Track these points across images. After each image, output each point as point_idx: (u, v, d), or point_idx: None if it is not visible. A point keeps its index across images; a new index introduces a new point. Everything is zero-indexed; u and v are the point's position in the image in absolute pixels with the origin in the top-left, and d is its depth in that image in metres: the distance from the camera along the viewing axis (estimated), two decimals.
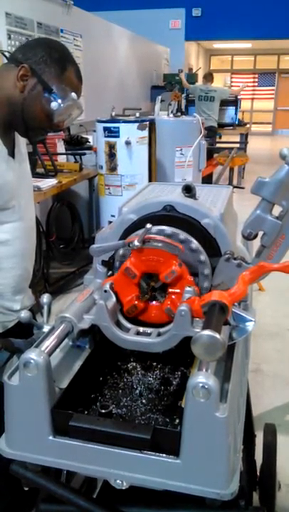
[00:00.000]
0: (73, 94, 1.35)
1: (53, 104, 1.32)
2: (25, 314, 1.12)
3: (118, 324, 1.01)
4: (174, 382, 1.07)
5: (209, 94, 8.03)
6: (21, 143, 1.49)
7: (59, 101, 1.32)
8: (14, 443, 0.93)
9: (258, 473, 1.61)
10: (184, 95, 8.39)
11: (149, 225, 0.98)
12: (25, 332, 1.25)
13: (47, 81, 1.32)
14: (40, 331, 1.09)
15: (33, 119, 1.36)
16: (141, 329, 1.01)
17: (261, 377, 2.98)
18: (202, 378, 0.80)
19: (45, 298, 1.16)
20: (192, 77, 9.87)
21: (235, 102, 9.28)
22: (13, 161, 1.43)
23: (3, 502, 1.52)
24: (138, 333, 1.00)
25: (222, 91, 8.34)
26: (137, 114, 4.08)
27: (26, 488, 1.01)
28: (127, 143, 3.88)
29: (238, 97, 10.04)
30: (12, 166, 1.41)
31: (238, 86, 12.73)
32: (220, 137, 9.02)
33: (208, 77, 8.39)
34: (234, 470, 0.86)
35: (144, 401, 1.01)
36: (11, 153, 1.42)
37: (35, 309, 1.56)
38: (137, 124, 3.92)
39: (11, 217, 1.42)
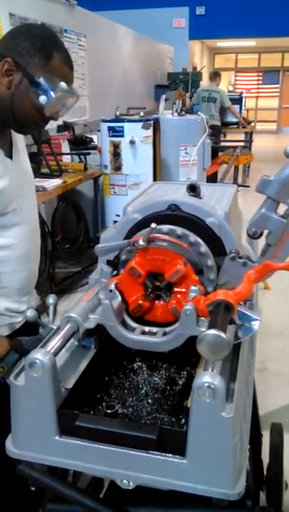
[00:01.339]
0: (63, 84, 1.27)
1: (42, 98, 1.25)
2: (31, 313, 1.13)
3: (124, 324, 1.00)
4: (180, 382, 1.07)
5: (212, 95, 7.93)
6: (19, 141, 1.46)
7: (50, 93, 1.25)
8: (20, 443, 0.93)
9: (265, 473, 1.61)
10: (188, 94, 8.31)
11: (153, 225, 0.97)
12: (32, 331, 1.25)
13: (32, 73, 1.25)
14: (47, 329, 1.09)
15: (24, 115, 1.30)
16: (146, 329, 1.01)
17: (267, 376, 2.97)
18: (208, 378, 0.80)
19: (51, 298, 1.17)
20: (197, 76, 9.83)
21: (239, 100, 9.24)
22: (11, 162, 1.39)
23: (10, 502, 1.52)
24: (143, 333, 1.00)
25: (224, 97, 8.10)
26: (142, 114, 4.08)
27: (33, 488, 1.01)
28: (132, 142, 3.88)
29: (243, 95, 10.00)
30: (10, 167, 1.37)
31: (242, 88, 12.59)
32: (224, 136, 8.97)
33: (214, 76, 8.25)
34: (241, 470, 0.86)
35: (150, 401, 1.01)
36: (9, 154, 1.38)
37: (41, 309, 1.56)
38: (141, 124, 3.92)
39: (13, 220, 1.39)
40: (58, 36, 1.36)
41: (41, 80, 1.25)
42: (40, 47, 1.26)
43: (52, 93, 1.25)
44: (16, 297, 1.45)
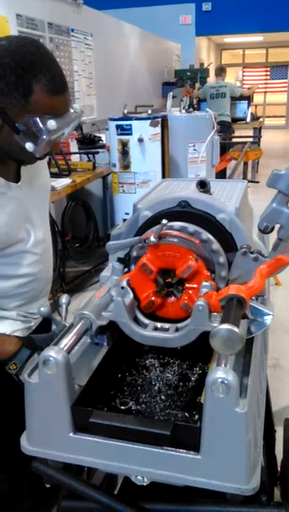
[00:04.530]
0: (50, 123, 1.10)
1: (28, 145, 1.12)
2: (45, 308, 1.13)
3: (136, 320, 1.01)
4: (193, 378, 1.07)
5: (220, 91, 7.89)
6: None
7: (36, 138, 1.11)
8: (35, 440, 0.94)
9: (279, 469, 1.60)
10: (197, 85, 8.28)
11: (164, 221, 0.97)
12: (49, 329, 1.25)
13: (12, 117, 1.10)
14: (60, 326, 1.10)
15: (19, 155, 1.20)
16: (158, 325, 1.01)
17: (280, 372, 2.96)
18: (221, 373, 0.80)
19: (64, 298, 1.18)
20: (204, 72, 9.79)
21: (247, 95, 9.19)
22: (17, 185, 1.29)
23: (29, 499, 1.53)
24: (156, 329, 1.00)
25: (233, 88, 8.13)
26: (149, 111, 4.08)
27: (48, 485, 1.02)
28: (140, 140, 3.88)
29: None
30: (13, 193, 1.28)
31: (250, 84, 12.57)
32: (233, 132, 8.94)
33: (220, 72, 8.24)
34: (255, 465, 0.85)
35: (163, 397, 1.01)
36: (15, 177, 1.29)
37: (52, 307, 1.57)
38: (149, 121, 3.91)
39: (22, 248, 1.32)
40: (39, 49, 1.14)
41: (23, 126, 1.10)
42: (16, 82, 1.08)
43: (38, 138, 1.11)
44: (28, 306, 1.41)
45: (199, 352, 1.04)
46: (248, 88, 9.62)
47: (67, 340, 0.93)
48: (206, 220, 1.04)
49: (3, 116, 1.11)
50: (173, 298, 1.02)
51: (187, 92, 7.00)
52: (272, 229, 0.99)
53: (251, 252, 0.99)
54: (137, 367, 1.10)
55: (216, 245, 1.01)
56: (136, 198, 1.22)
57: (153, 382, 1.06)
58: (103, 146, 4.67)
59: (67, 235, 4.16)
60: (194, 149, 4.34)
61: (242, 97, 8.56)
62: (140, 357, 1.13)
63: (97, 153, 4.54)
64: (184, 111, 4.56)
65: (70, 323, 1.05)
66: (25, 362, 1.23)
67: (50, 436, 0.92)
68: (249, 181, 1.73)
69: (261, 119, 10.94)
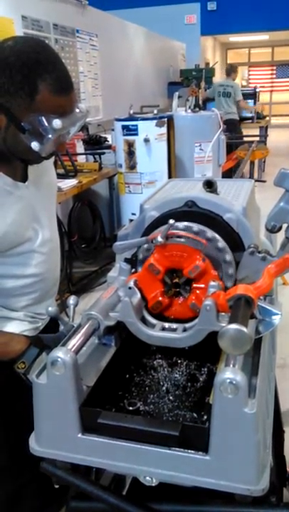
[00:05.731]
0: (56, 122, 1.10)
1: (34, 145, 1.12)
2: (52, 308, 1.13)
3: (143, 320, 1.00)
4: (201, 379, 1.06)
5: (227, 90, 7.91)
6: None
7: (41, 137, 1.11)
8: (44, 441, 0.94)
9: (288, 469, 1.59)
10: (203, 84, 8.27)
11: (171, 221, 0.97)
12: (57, 329, 1.25)
13: (18, 116, 1.11)
14: (67, 326, 1.10)
15: (24, 155, 1.20)
16: (166, 325, 1.01)
17: (288, 372, 2.94)
18: (230, 374, 0.80)
19: (72, 299, 1.18)
20: (209, 72, 9.79)
21: (253, 94, 9.18)
22: (24, 185, 1.29)
23: (37, 500, 1.53)
24: (163, 329, 1.00)
25: (237, 91, 8.06)
26: (155, 111, 4.08)
27: (56, 486, 1.02)
28: (146, 140, 3.88)
29: (257, 90, 9.94)
30: (21, 193, 1.28)
31: (256, 83, 12.48)
32: (241, 131, 8.92)
33: (229, 71, 8.23)
34: (264, 466, 0.85)
35: (171, 398, 1.01)
36: (22, 176, 1.29)
37: (60, 308, 1.57)
38: (155, 121, 3.91)
39: (29, 247, 1.32)
40: (45, 49, 1.15)
41: (29, 125, 1.11)
42: (21, 81, 1.08)
43: (43, 137, 1.11)
44: (35, 306, 1.41)
45: (207, 352, 1.03)
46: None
47: (75, 341, 0.93)
48: (213, 220, 1.03)
49: (9, 116, 1.12)
50: (180, 298, 1.02)
51: (193, 91, 6.99)
52: (280, 228, 0.99)
53: (259, 252, 0.98)
54: (144, 367, 1.10)
55: (221, 243, 1.01)
56: (142, 198, 1.22)
57: (161, 383, 1.05)
58: (109, 147, 4.67)
59: (74, 236, 4.17)
60: (200, 149, 4.33)
61: (247, 94, 8.51)
62: (148, 357, 1.12)
63: (103, 153, 4.55)
64: (189, 110, 4.55)
65: (77, 324, 1.05)
66: (33, 361, 1.23)
67: (58, 437, 0.92)
68: (256, 180, 1.73)
69: (267, 118, 10.92)
